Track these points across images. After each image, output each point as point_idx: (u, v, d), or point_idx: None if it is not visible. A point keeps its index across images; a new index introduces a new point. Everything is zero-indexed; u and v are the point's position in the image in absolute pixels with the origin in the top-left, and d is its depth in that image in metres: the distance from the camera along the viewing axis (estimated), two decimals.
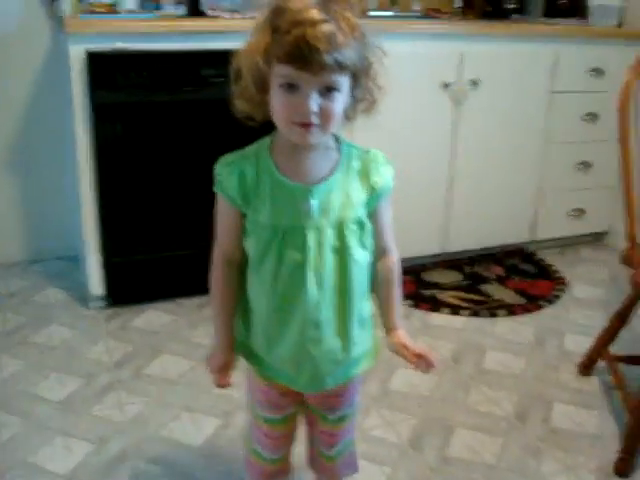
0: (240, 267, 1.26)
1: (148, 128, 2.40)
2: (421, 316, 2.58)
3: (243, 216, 1.20)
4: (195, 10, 2.66)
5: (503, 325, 2.53)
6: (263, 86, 1.10)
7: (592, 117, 3.03)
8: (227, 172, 1.18)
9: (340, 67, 1.05)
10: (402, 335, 1.28)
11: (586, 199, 3.18)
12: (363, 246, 1.21)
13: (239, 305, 1.29)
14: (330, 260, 1.18)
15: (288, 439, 1.45)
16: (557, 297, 2.75)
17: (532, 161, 3.02)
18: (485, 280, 2.88)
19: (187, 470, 1.75)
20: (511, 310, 2.63)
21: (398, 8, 3.12)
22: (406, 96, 2.60)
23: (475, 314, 2.59)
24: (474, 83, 2.75)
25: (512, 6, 3.17)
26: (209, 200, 1.24)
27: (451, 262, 3.02)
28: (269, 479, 1.47)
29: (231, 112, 1.15)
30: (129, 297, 2.58)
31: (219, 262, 1.27)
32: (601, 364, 2.18)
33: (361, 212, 1.20)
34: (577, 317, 2.61)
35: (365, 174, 1.20)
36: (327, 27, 1.03)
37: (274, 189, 1.16)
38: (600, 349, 2.15)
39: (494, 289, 2.80)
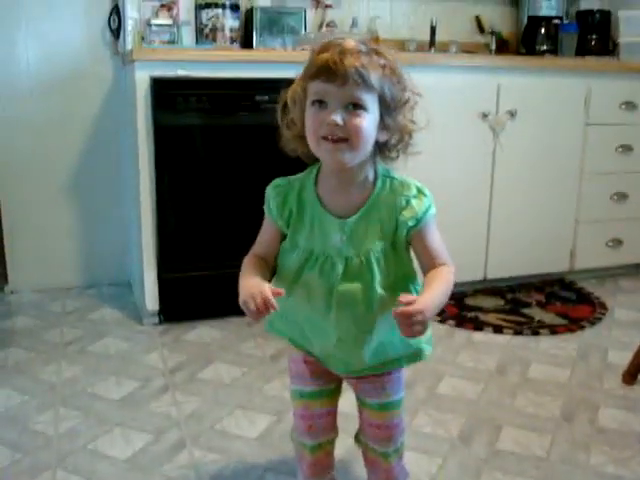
0: (269, 266, 1.34)
1: (205, 150, 2.55)
2: (464, 334, 2.63)
3: (283, 237, 1.33)
4: (249, 46, 2.86)
5: (546, 342, 2.57)
6: (302, 113, 1.21)
7: (626, 149, 3.12)
8: (273, 195, 1.31)
9: (364, 82, 1.14)
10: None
11: (623, 230, 3.23)
12: (387, 286, 1.26)
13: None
14: (356, 289, 1.26)
15: (325, 421, 1.44)
16: (599, 319, 2.78)
17: (569, 192, 3.10)
18: (526, 305, 2.93)
19: (242, 457, 1.80)
20: (553, 330, 2.66)
21: (434, 49, 3.29)
22: (447, 125, 2.73)
23: (518, 333, 2.64)
24: (511, 114, 2.88)
25: (545, 47, 3.31)
26: (260, 221, 1.36)
27: (492, 290, 3.08)
28: (315, 471, 1.48)
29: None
30: (182, 314, 2.68)
31: (250, 255, 1.36)
32: None
33: (387, 243, 1.26)
34: (619, 335, 2.64)
35: (393, 207, 1.25)
36: (357, 49, 1.15)
37: (314, 218, 1.28)
38: None
39: (535, 312, 2.84)
